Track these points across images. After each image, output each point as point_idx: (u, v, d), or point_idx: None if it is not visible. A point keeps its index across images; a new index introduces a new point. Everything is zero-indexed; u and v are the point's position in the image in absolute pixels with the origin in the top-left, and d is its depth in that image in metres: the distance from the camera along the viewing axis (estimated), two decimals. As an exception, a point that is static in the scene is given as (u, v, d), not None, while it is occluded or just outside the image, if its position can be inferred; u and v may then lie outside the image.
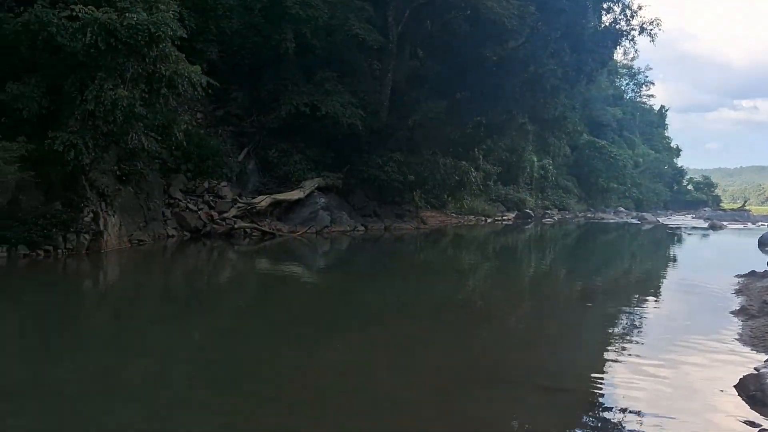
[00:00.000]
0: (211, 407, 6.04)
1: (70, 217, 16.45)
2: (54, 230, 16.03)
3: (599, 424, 5.66)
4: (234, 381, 7.02)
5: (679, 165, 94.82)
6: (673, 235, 38.60)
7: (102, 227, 17.44)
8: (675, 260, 24.23)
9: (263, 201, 25.92)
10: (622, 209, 66.34)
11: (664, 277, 18.50)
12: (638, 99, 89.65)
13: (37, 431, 5.32)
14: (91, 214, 17.21)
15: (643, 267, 21.87)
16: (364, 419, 5.77)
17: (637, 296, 13.99)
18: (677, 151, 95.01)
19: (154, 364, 7.57)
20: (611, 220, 53.71)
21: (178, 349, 8.29)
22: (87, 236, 16.84)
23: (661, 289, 15.82)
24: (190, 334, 9.19)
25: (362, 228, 29.81)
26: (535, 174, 54.64)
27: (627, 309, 12.16)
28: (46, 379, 6.79)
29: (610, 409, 6.09)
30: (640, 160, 79.10)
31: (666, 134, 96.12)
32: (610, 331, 10.10)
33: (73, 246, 16.49)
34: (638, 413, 5.96)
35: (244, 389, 6.69)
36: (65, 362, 7.49)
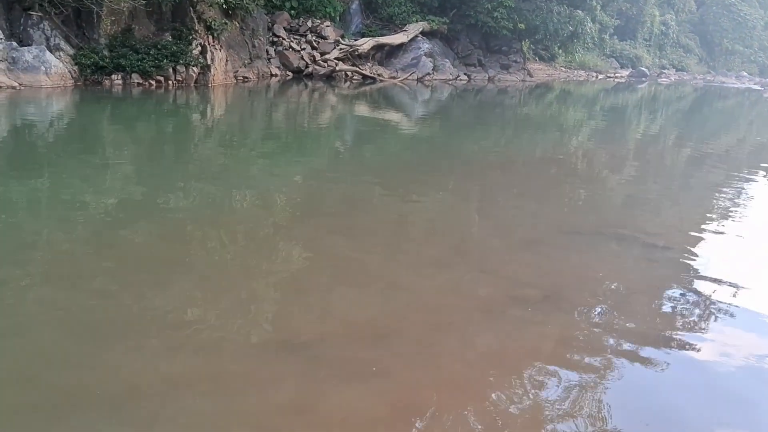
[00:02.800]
0: (301, 231, 6.35)
1: (180, 49, 16.95)
2: (165, 61, 16.62)
3: (694, 283, 5.60)
4: (326, 216, 7.32)
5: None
6: (800, 105, 35.68)
7: (209, 61, 17.97)
8: (797, 132, 22.52)
9: (365, 44, 25.56)
10: (745, 74, 61.32)
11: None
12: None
13: (155, 234, 5.81)
14: (199, 47, 17.69)
15: (759, 137, 20.49)
16: (451, 264, 5.91)
17: (748, 168, 13.23)
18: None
19: (255, 193, 7.95)
20: (732, 85, 49.95)
21: (278, 182, 8.64)
22: (196, 69, 17.41)
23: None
24: (289, 170, 9.51)
25: (465, 77, 29.11)
26: (656, 30, 50.87)
27: (736, 180, 11.57)
28: (158, 199, 7.30)
29: (706, 273, 5.98)
30: (772, 21, 71.70)
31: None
32: (716, 200, 9.69)
33: (183, 78, 17.12)
34: (734, 282, 5.83)
35: (335, 224, 6.95)
36: (175, 183, 7.99)
